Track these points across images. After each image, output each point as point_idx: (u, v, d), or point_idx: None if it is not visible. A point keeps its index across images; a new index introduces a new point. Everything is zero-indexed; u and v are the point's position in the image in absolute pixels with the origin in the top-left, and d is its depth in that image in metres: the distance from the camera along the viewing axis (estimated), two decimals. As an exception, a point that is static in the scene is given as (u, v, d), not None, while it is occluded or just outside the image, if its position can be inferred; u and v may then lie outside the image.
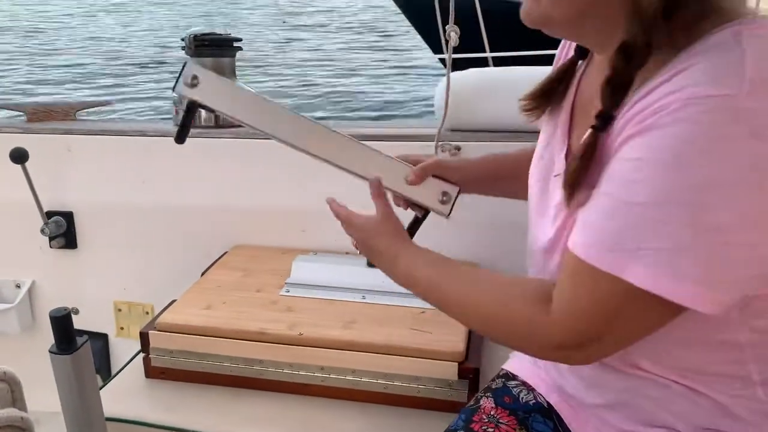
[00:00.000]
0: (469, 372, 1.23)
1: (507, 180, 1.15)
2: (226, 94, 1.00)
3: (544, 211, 0.87)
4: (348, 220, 1.05)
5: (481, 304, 0.84)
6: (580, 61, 0.91)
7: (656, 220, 0.64)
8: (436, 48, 1.76)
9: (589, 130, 0.73)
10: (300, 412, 1.27)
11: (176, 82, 0.97)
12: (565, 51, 0.97)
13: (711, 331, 0.74)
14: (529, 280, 0.86)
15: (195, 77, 0.97)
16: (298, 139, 1.05)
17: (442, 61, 3.77)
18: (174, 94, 0.98)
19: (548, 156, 0.90)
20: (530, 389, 1.02)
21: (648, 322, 0.71)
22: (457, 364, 1.23)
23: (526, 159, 1.12)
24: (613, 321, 0.70)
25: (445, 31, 1.23)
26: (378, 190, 1.05)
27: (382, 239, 1.00)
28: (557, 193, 0.81)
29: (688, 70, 0.65)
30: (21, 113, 1.93)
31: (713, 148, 0.62)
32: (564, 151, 0.85)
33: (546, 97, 0.92)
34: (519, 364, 1.08)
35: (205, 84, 0.98)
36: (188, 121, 1.00)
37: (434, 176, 1.10)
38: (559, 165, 0.85)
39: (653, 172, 0.65)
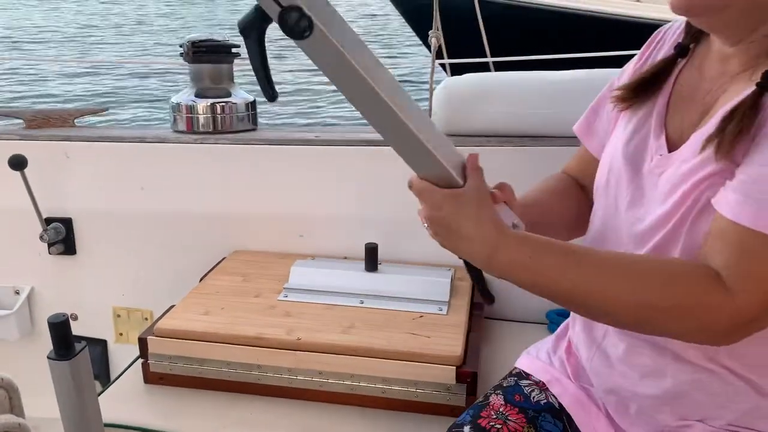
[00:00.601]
0: (467, 376, 1.23)
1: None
2: (331, 14, 0.76)
3: (639, 194, 0.89)
4: (430, 192, 0.83)
5: (636, 292, 0.78)
6: (678, 59, 0.94)
7: None
8: (437, 53, 1.76)
9: (754, 88, 0.76)
10: (298, 416, 1.28)
11: None
12: (650, 51, 1.00)
13: None
14: (675, 260, 0.81)
15: None
16: (387, 91, 0.80)
17: (443, 66, 3.78)
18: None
19: (637, 143, 0.93)
20: (543, 389, 1.02)
21: None
22: (455, 368, 1.23)
23: (547, 199, 1.05)
24: None
25: (427, 36, 1.23)
26: (476, 162, 0.85)
27: (472, 219, 0.81)
28: (669, 169, 0.84)
29: None
30: (19, 120, 1.93)
31: None
32: (662, 137, 0.89)
33: (640, 90, 0.95)
34: (533, 362, 1.08)
35: None
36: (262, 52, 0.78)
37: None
38: (657, 148, 0.89)
39: None
